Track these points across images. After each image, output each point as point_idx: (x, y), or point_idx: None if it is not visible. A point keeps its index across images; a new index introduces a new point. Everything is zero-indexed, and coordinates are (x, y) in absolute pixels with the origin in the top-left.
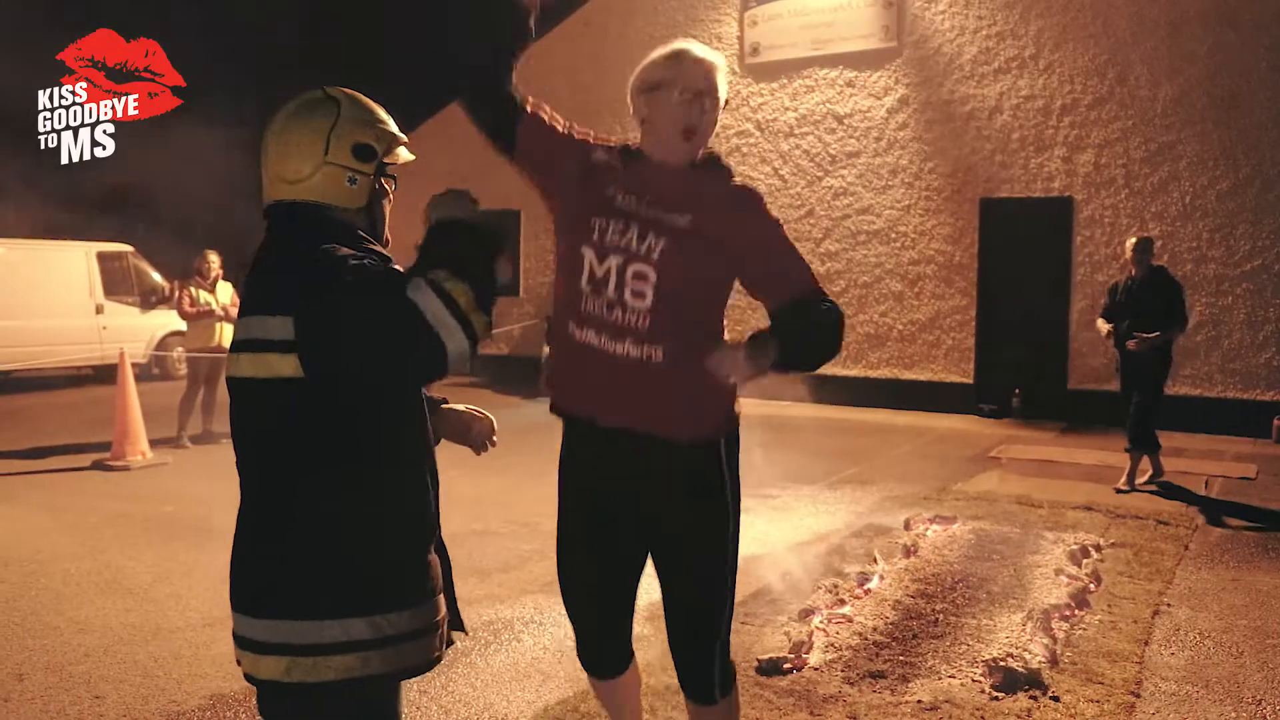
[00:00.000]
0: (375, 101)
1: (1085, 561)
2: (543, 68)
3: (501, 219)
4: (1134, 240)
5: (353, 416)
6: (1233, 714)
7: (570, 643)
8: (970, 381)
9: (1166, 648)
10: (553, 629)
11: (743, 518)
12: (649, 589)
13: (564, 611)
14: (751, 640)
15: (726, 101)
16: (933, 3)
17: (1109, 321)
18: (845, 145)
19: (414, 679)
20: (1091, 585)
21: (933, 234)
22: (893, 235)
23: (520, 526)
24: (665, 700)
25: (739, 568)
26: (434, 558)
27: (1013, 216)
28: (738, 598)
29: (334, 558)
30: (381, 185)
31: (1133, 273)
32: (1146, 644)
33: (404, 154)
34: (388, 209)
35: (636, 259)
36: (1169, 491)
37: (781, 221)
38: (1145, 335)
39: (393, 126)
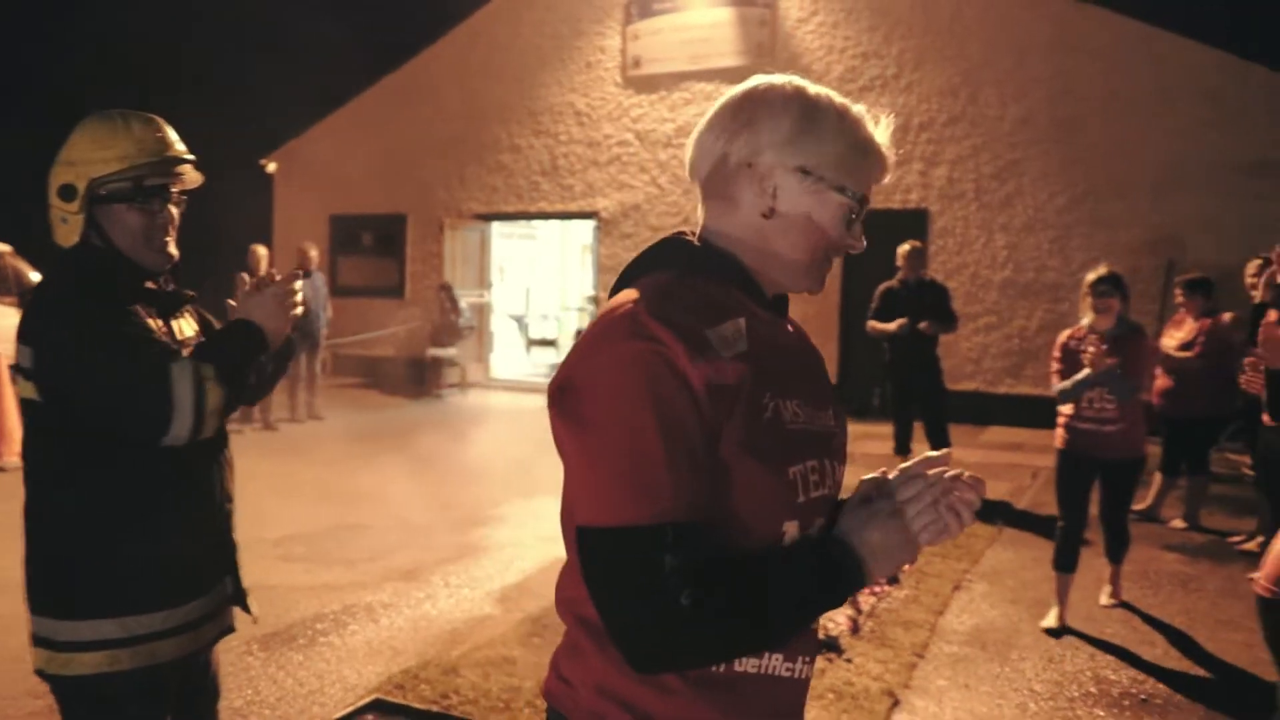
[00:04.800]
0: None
1: None
2: (433, 75)
3: (389, 224)
4: (908, 248)
5: (92, 437)
6: (997, 669)
7: (424, 621)
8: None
9: (957, 617)
10: (408, 611)
11: None
12: (495, 575)
13: (421, 594)
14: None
15: None
16: (803, 23)
17: (881, 322)
18: None
19: (271, 656)
20: (905, 565)
21: None
22: None
23: (390, 520)
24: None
25: None
26: (199, 560)
27: (874, 227)
28: None
29: (79, 562)
30: (131, 212)
31: (904, 276)
32: (941, 614)
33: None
34: (156, 231)
35: None
36: (998, 480)
37: (662, 229)
38: (930, 324)
39: (141, 151)
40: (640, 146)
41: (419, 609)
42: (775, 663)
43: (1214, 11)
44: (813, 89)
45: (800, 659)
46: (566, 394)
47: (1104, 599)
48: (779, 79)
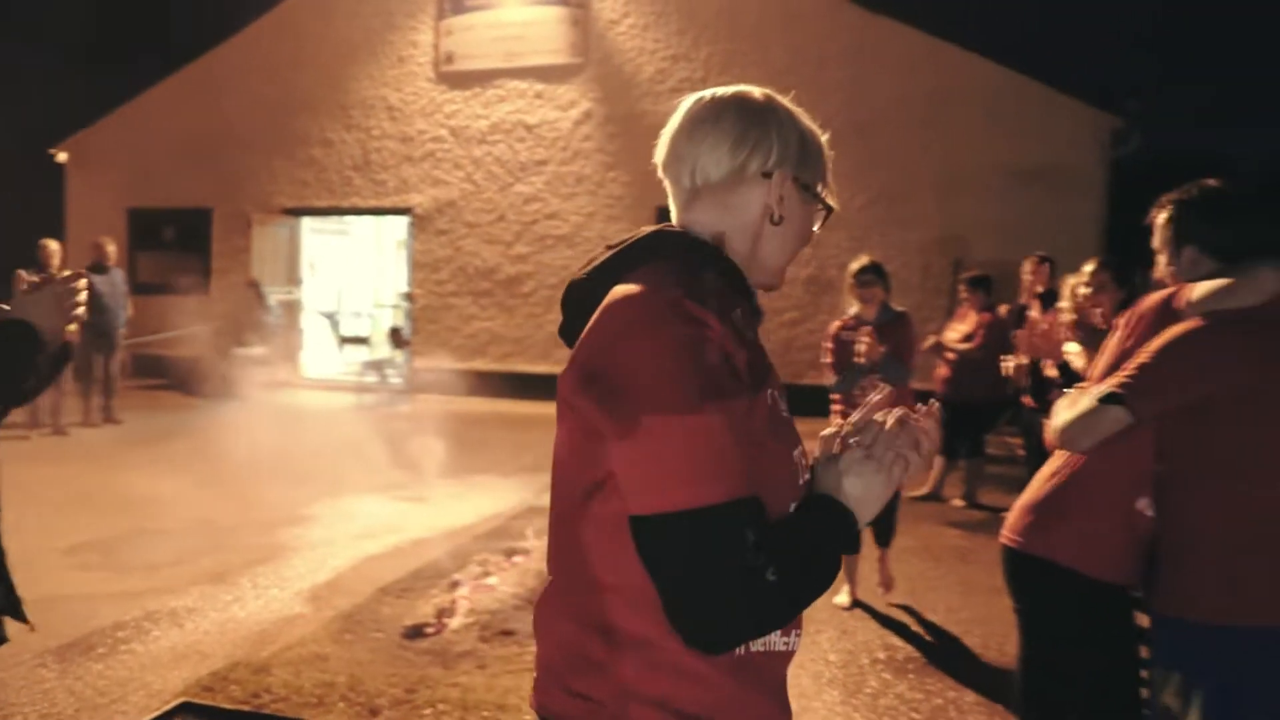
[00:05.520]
0: None
1: None
2: (240, 66)
3: (192, 218)
4: None
5: None
6: (805, 640)
7: (232, 623)
8: None
9: None
10: (215, 614)
11: (416, 505)
12: (305, 575)
13: (229, 597)
14: (404, 611)
15: None
16: (615, 24)
17: None
18: (534, 154)
19: (68, 668)
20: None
21: (614, 239)
22: (578, 240)
23: (193, 524)
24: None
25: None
26: None
27: None
28: (397, 575)
29: None
30: None
31: None
32: None
33: None
34: None
35: None
36: None
37: (477, 225)
38: None
39: None
40: (455, 143)
41: (226, 611)
42: (775, 637)
43: (996, 28)
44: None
45: (794, 632)
46: (605, 382)
47: (879, 589)
48: (758, 91)
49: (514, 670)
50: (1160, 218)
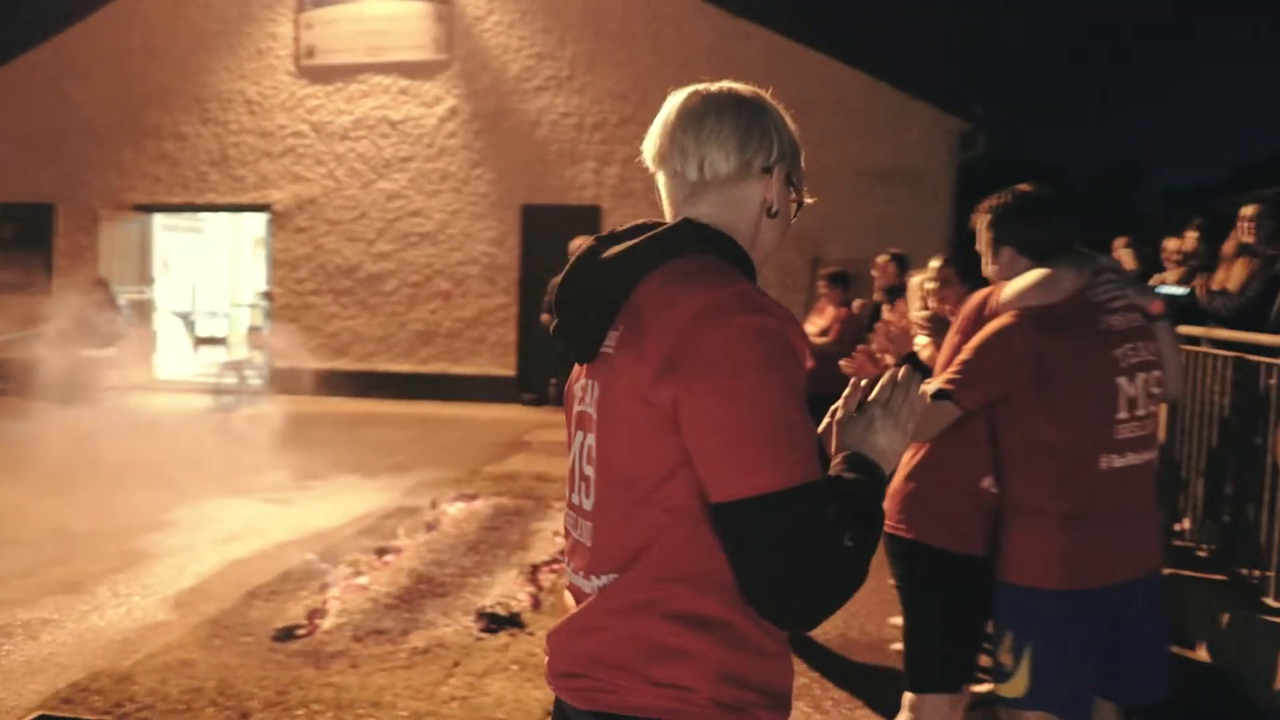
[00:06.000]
0: None
1: None
2: (86, 54)
3: (32, 214)
4: (580, 243)
5: None
6: None
7: (91, 634)
8: (513, 374)
9: None
10: (73, 625)
11: (281, 507)
12: (168, 581)
13: (87, 607)
14: (273, 614)
15: None
16: (481, 20)
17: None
18: (399, 150)
19: None
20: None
21: (478, 237)
22: (442, 237)
23: (44, 533)
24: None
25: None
26: None
27: (550, 222)
28: (265, 578)
29: None
30: None
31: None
32: None
33: None
34: None
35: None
36: None
37: (339, 222)
38: None
39: None
40: (316, 138)
41: (85, 621)
42: None
43: (851, 33)
44: None
45: None
46: (694, 372)
47: None
48: (745, 88)
49: (388, 668)
50: (980, 222)
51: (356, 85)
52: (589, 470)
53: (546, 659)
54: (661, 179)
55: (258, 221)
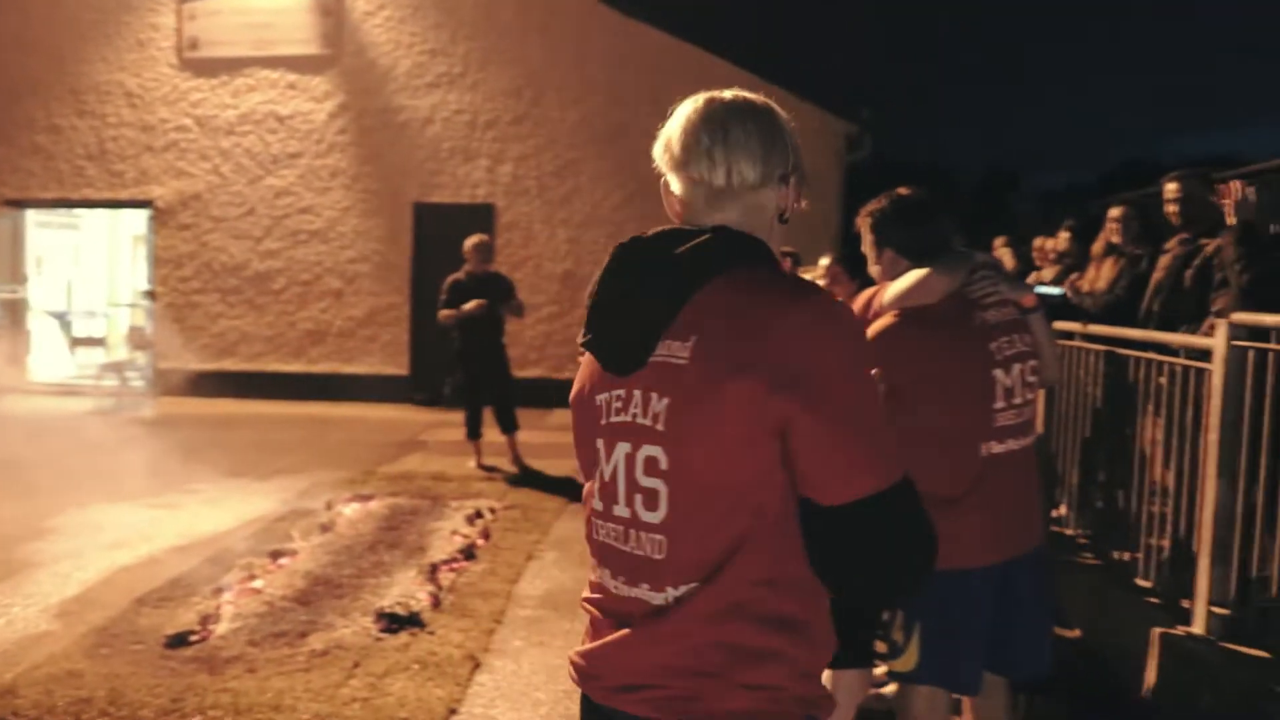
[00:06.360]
0: None
1: (478, 522)
2: None
3: None
4: (475, 241)
5: None
6: (569, 626)
7: None
8: (406, 373)
9: (531, 583)
10: None
11: (169, 512)
12: (51, 590)
13: None
14: (164, 620)
15: None
16: (370, 15)
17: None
18: (287, 146)
19: None
20: (480, 540)
21: (370, 234)
22: (332, 235)
23: None
24: None
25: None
26: None
27: (443, 220)
28: (154, 585)
29: None
30: None
31: (471, 269)
32: (516, 582)
33: None
34: None
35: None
36: (563, 459)
37: (224, 219)
38: (504, 304)
39: None
40: (200, 133)
41: None
42: None
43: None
44: None
45: None
46: (814, 381)
47: None
48: (756, 96)
49: (286, 672)
50: (863, 225)
51: (243, 79)
52: (651, 482)
53: (581, 673)
54: (676, 183)
55: (138, 218)
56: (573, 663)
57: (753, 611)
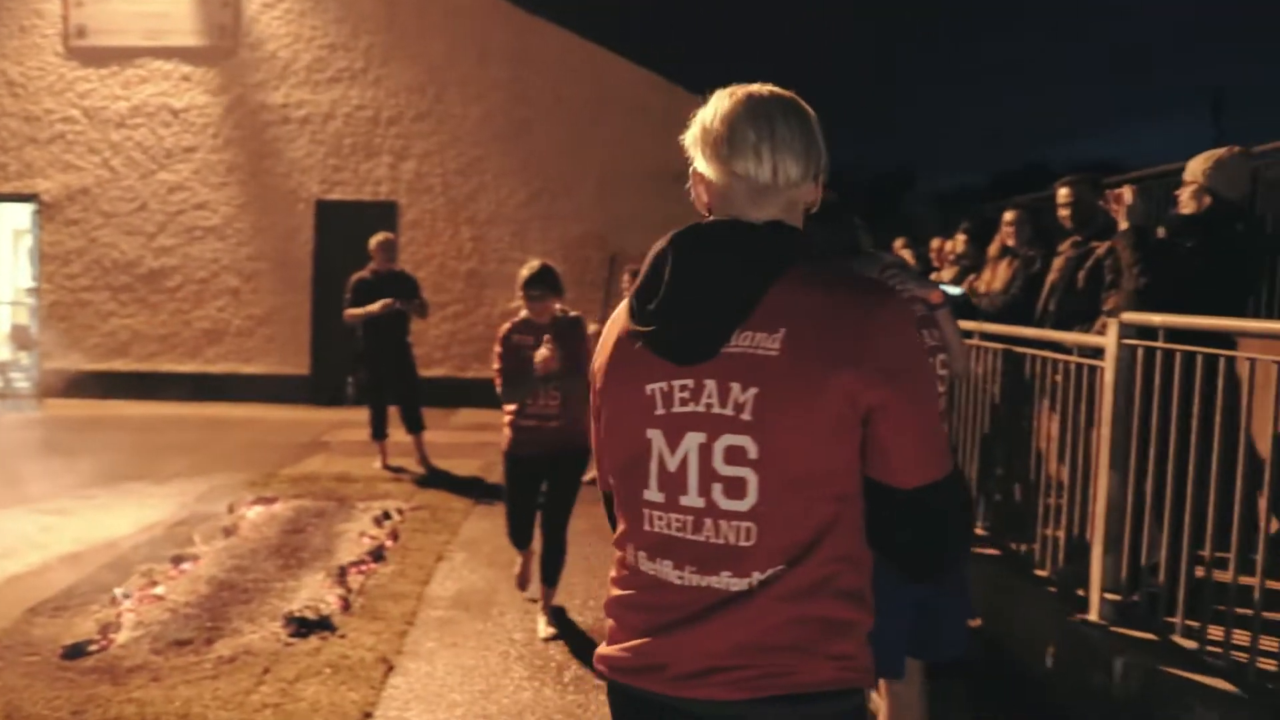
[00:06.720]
0: None
1: (386, 523)
2: None
3: None
4: (380, 239)
5: None
6: (481, 626)
7: None
8: (307, 373)
9: (442, 584)
10: None
11: (60, 519)
12: None
13: None
14: (60, 630)
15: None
16: (269, 8)
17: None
18: (181, 140)
19: None
20: (389, 542)
21: (270, 231)
22: (229, 232)
23: None
24: None
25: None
26: None
27: (345, 217)
28: (48, 594)
29: None
30: None
31: (376, 267)
32: (426, 584)
33: None
34: None
35: None
36: (469, 458)
37: (115, 215)
38: (409, 302)
39: None
40: (89, 125)
41: None
42: None
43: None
44: None
45: None
46: (908, 375)
47: (542, 630)
48: (785, 92)
49: (193, 679)
50: None
51: (134, 70)
52: (736, 470)
53: (632, 667)
54: (714, 174)
55: (22, 212)
56: (611, 658)
57: (835, 587)
